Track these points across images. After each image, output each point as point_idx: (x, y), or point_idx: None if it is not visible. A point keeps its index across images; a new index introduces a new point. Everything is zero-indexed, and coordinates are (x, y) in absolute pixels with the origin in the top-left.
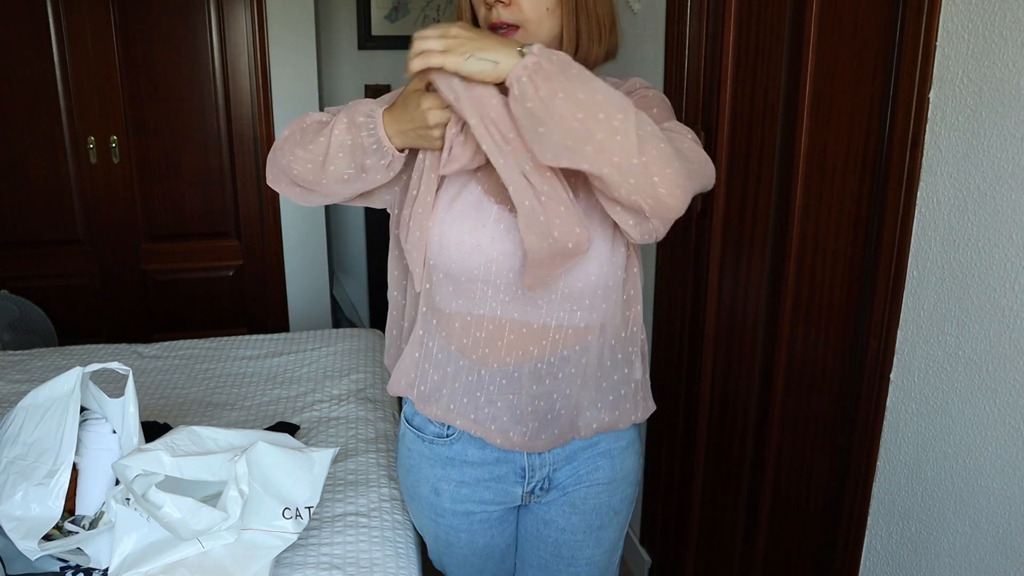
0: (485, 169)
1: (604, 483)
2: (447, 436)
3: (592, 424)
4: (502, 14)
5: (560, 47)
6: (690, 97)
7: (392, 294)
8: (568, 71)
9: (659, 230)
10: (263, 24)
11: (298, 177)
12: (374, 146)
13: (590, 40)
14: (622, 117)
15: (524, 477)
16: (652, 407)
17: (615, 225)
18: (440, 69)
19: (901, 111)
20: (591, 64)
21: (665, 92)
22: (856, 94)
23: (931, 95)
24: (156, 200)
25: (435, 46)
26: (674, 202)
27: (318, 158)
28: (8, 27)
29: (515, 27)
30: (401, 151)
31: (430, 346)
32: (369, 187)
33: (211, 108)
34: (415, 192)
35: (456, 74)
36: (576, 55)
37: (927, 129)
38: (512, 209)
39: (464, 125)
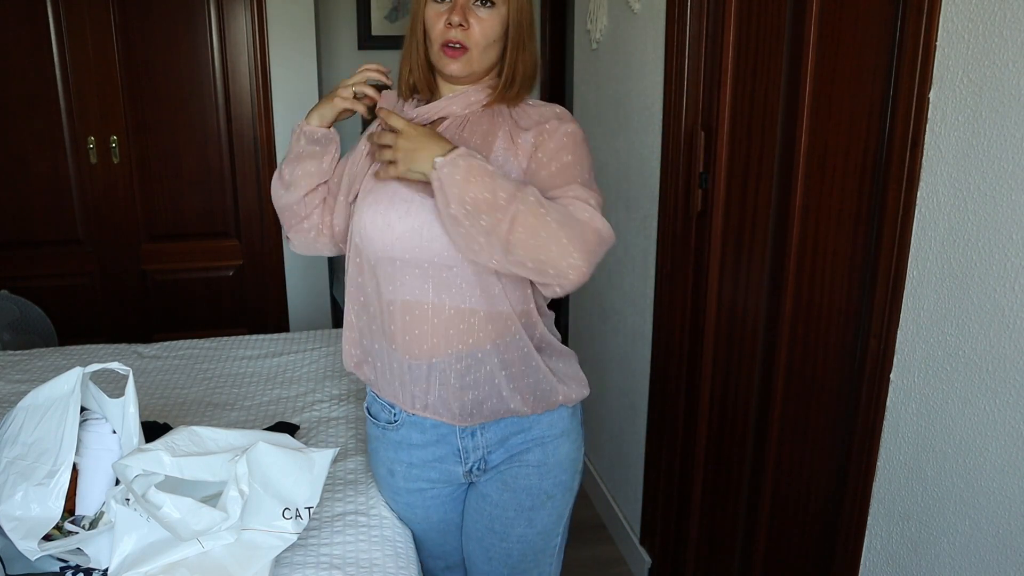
0: None
1: (534, 465)
2: (394, 422)
3: (522, 409)
4: (459, 35)
5: (499, 75)
6: (690, 97)
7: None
8: (468, 177)
9: (560, 293)
10: (263, 24)
11: (283, 210)
12: (301, 138)
13: (524, 76)
14: (499, 218)
15: (461, 458)
16: (585, 392)
17: None
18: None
19: (901, 111)
20: (519, 93)
21: (665, 92)
22: (856, 94)
23: (931, 95)
24: (156, 200)
25: (388, 156)
26: (572, 280)
27: (277, 181)
28: (8, 27)
29: (464, 48)
30: (323, 127)
31: (367, 337)
32: (316, 175)
33: (211, 108)
34: (343, 194)
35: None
36: (511, 86)
37: (927, 129)
38: (419, 190)
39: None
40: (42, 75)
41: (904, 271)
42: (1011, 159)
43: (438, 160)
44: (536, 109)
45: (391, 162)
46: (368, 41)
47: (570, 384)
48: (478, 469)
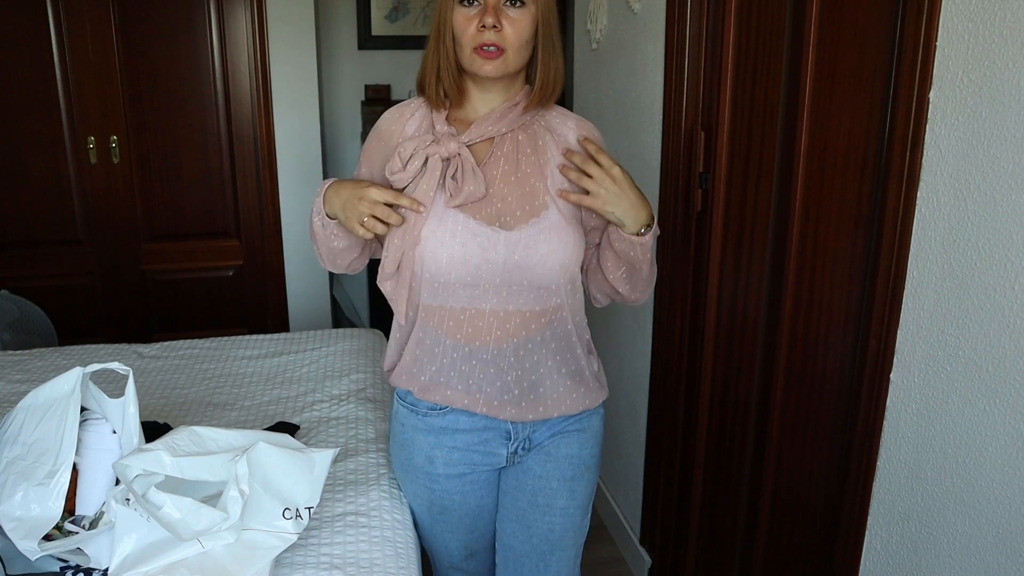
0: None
1: (574, 432)
2: (440, 409)
3: (564, 401)
4: (493, 37)
5: (529, 78)
6: (690, 97)
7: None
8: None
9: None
10: (263, 24)
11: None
12: (316, 213)
13: (557, 75)
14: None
15: (509, 439)
16: (607, 392)
17: (581, 225)
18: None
19: (901, 111)
20: (554, 93)
21: (665, 92)
22: (856, 94)
23: (931, 95)
24: (156, 200)
25: (589, 185)
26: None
27: (315, 245)
28: (8, 27)
29: (500, 51)
30: (331, 218)
31: (427, 342)
32: (346, 249)
33: (211, 108)
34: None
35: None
36: (547, 86)
37: (927, 129)
38: (489, 223)
39: (458, 167)
40: (42, 75)
41: (904, 271)
42: (1011, 159)
43: (653, 228)
44: (570, 119)
45: (585, 191)
46: (368, 41)
47: (604, 386)
48: (522, 449)
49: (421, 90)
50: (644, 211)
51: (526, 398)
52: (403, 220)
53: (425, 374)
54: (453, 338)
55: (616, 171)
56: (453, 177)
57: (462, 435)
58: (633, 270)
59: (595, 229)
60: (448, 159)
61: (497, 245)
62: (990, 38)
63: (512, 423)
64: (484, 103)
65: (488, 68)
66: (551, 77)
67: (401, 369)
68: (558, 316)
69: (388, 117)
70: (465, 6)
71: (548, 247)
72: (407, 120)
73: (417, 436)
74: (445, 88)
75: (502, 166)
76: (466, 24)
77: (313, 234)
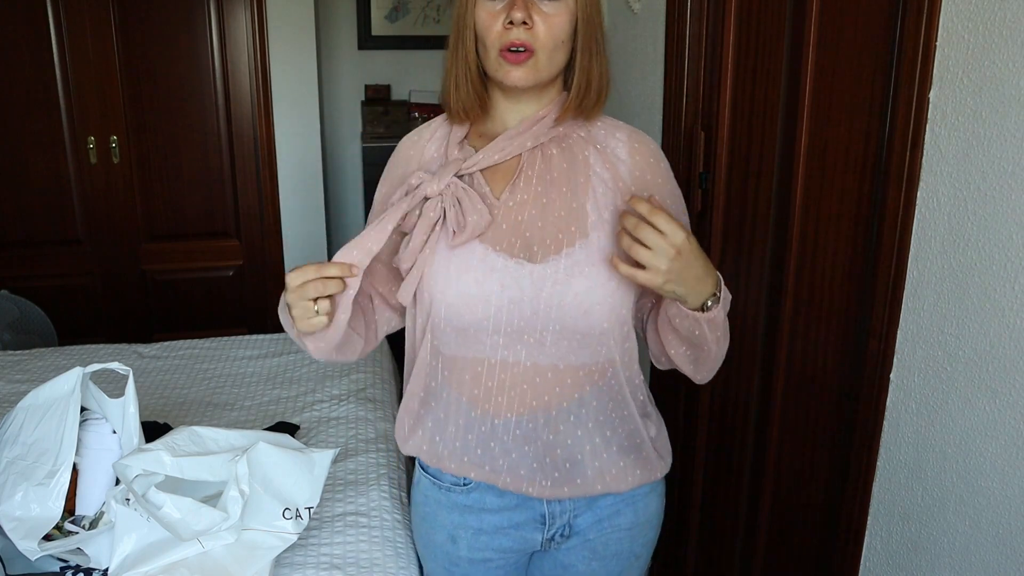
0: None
1: (626, 528)
2: (464, 484)
3: (610, 471)
4: (523, 35)
5: (567, 84)
6: (690, 97)
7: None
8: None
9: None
10: (263, 24)
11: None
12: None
13: (601, 83)
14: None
15: (544, 524)
16: (669, 461)
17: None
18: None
19: (901, 111)
20: (596, 105)
21: (665, 92)
22: (856, 94)
23: (931, 95)
24: (156, 200)
25: (645, 258)
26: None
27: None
28: (8, 27)
29: (529, 51)
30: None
31: (443, 403)
32: (341, 348)
33: (211, 108)
34: (408, 263)
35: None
36: (586, 94)
37: (927, 129)
38: (512, 255)
39: (457, 201)
40: (42, 75)
41: (904, 271)
42: (1011, 159)
43: (722, 299)
44: (620, 131)
45: (638, 264)
46: (368, 41)
47: (664, 455)
48: (561, 536)
49: (446, 105)
50: (710, 281)
51: (560, 468)
52: (343, 285)
53: (441, 439)
54: (470, 396)
55: (680, 238)
56: (454, 208)
57: (489, 515)
58: (698, 349)
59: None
60: (430, 198)
61: (522, 281)
62: (990, 38)
63: (547, 502)
64: (513, 115)
65: (516, 75)
66: (592, 84)
67: (413, 431)
68: (607, 372)
69: (406, 141)
70: (490, 0)
71: (584, 283)
72: (426, 143)
73: (440, 512)
74: (463, 100)
75: (534, 187)
76: (491, 21)
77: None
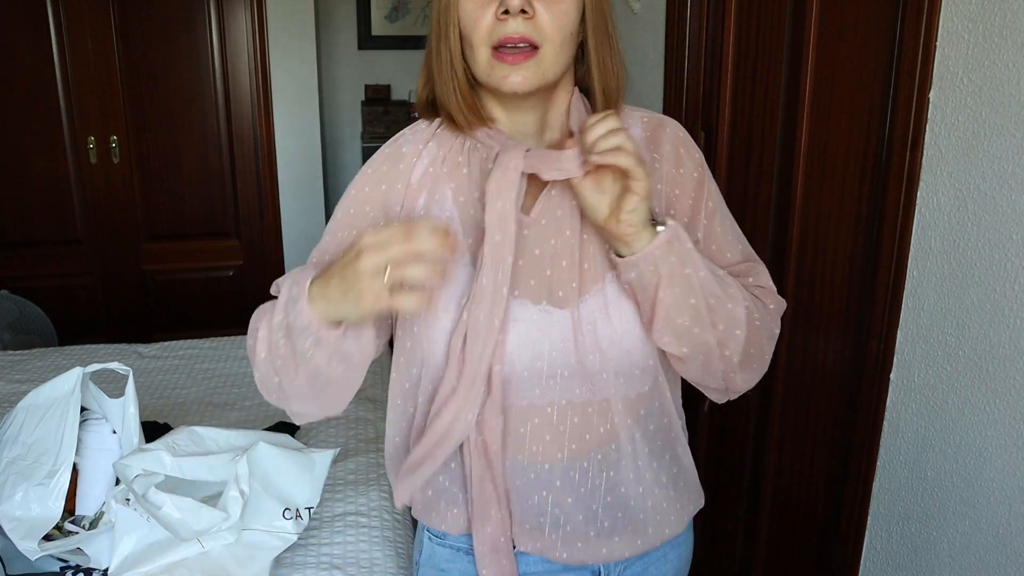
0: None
1: (665, 564)
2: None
3: (668, 517)
4: (521, 28)
5: (579, 81)
6: (690, 97)
7: (396, 402)
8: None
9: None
10: (263, 24)
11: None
12: (298, 317)
13: (619, 82)
14: (737, 333)
15: None
16: (702, 495)
17: None
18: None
19: (901, 111)
20: (615, 108)
21: (665, 92)
22: (856, 94)
23: (931, 95)
24: (156, 200)
25: (623, 162)
26: (743, 389)
27: (259, 355)
28: (8, 27)
29: (532, 48)
30: (335, 325)
31: (469, 456)
32: (330, 388)
33: (211, 108)
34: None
35: (626, 189)
36: (619, 104)
37: (927, 129)
38: (536, 301)
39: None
40: (42, 75)
41: (904, 271)
42: (1011, 159)
43: (670, 221)
44: (635, 114)
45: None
46: (368, 41)
47: (698, 481)
48: None
49: (425, 110)
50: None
51: (620, 526)
52: (439, 274)
53: (458, 505)
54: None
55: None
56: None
57: None
58: (691, 327)
59: None
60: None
61: (552, 335)
62: (990, 38)
63: (604, 565)
64: (512, 126)
65: (515, 79)
66: (613, 85)
67: (422, 494)
68: (655, 401)
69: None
70: None
71: (625, 323)
72: (413, 159)
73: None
74: (449, 109)
75: (554, 213)
76: (479, 12)
77: (279, 361)
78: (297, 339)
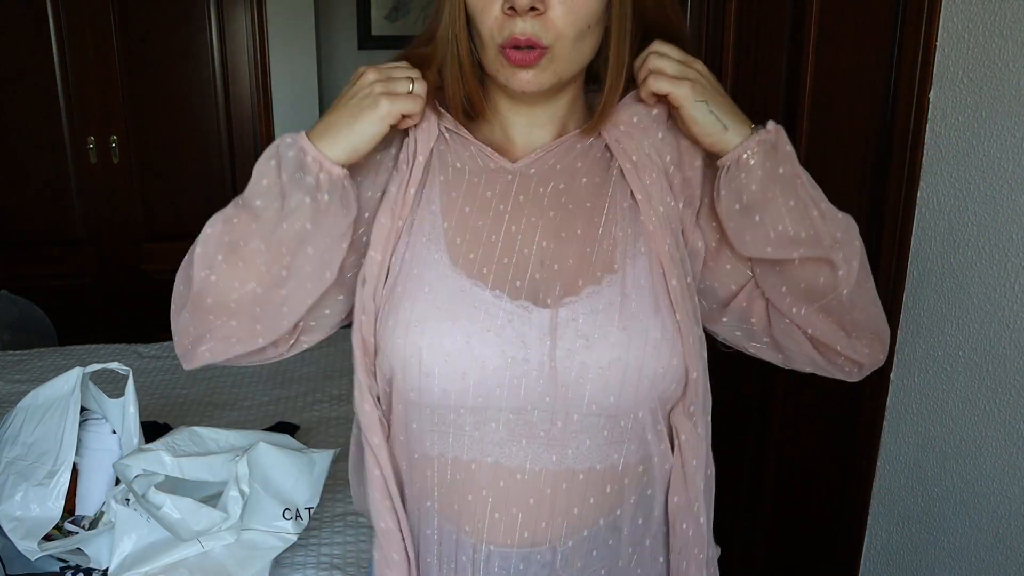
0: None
1: None
2: None
3: None
4: (529, 28)
5: (599, 80)
6: None
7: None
8: (796, 166)
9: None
10: (263, 24)
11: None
12: (295, 161)
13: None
14: (852, 233)
15: None
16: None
17: (689, 295)
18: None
19: (901, 111)
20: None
21: None
22: (856, 94)
23: (931, 95)
24: (156, 200)
25: (671, 70)
26: (866, 353)
27: (196, 249)
28: (8, 27)
29: (541, 49)
30: (341, 166)
31: (426, 531)
32: (309, 254)
33: (211, 108)
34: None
35: (675, 109)
36: (612, 101)
37: (927, 129)
38: (515, 297)
39: None
40: (42, 75)
41: (904, 271)
42: (1011, 159)
43: (770, 123)
44: (632, 109)
45: (666, 77)
46: (368, 41)
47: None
48: None
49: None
50: (741, 114)
51: None
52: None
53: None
54: (454, 526)
55: (689, 57)
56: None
57: None
58: (811, 244)
59: (707, 244)
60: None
61: (527, 334)
62: (990, 38)
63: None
64: (521, 121)
65: (524, 79)
66: (622, 80)
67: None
68: (643, 480)
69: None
70: None
71: (611, 341)
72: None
73: None
74: (456, 104)
75: (545, 211)
76: (486, 5)
77: (234, 234)
78: (290, 188)
